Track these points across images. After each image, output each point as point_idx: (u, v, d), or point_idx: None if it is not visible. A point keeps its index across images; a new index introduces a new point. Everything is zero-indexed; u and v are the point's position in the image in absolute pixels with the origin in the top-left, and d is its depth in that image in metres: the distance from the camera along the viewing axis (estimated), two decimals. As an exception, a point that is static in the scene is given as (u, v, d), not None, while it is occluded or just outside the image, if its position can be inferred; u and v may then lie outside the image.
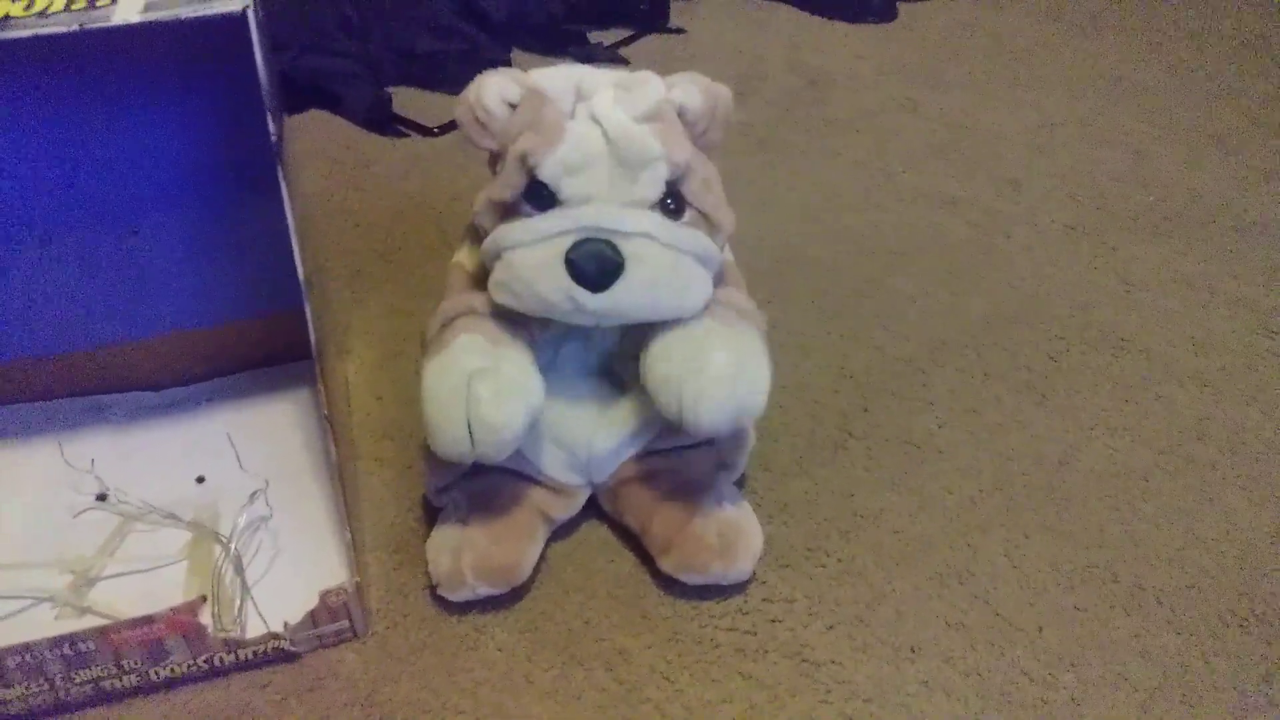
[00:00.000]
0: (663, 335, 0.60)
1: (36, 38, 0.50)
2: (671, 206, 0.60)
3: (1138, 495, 0.73)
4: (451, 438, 0.57)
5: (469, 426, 0.57)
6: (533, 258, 0.58)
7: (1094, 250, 0.99)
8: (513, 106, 0.61)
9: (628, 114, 0.58)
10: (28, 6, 0.52)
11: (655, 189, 0.59)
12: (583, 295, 0.57)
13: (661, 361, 0.59)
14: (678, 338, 0.60)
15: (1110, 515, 0.72)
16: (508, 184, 0.59)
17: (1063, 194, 1.08)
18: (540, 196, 0.59)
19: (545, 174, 0.58)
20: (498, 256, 0.60)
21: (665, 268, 0.58)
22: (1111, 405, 0.81)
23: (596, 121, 0.58)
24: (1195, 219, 1.04)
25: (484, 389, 0.57)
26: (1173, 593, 0.66)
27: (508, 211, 0.60)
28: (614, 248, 0.56)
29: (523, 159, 0.58)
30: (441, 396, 0.58)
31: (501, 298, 0.60)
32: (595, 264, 0.56)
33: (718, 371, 0.57)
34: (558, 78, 0.61)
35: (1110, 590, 0.66)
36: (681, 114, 0.61)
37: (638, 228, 0.57)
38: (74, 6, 0.51)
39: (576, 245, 0.56)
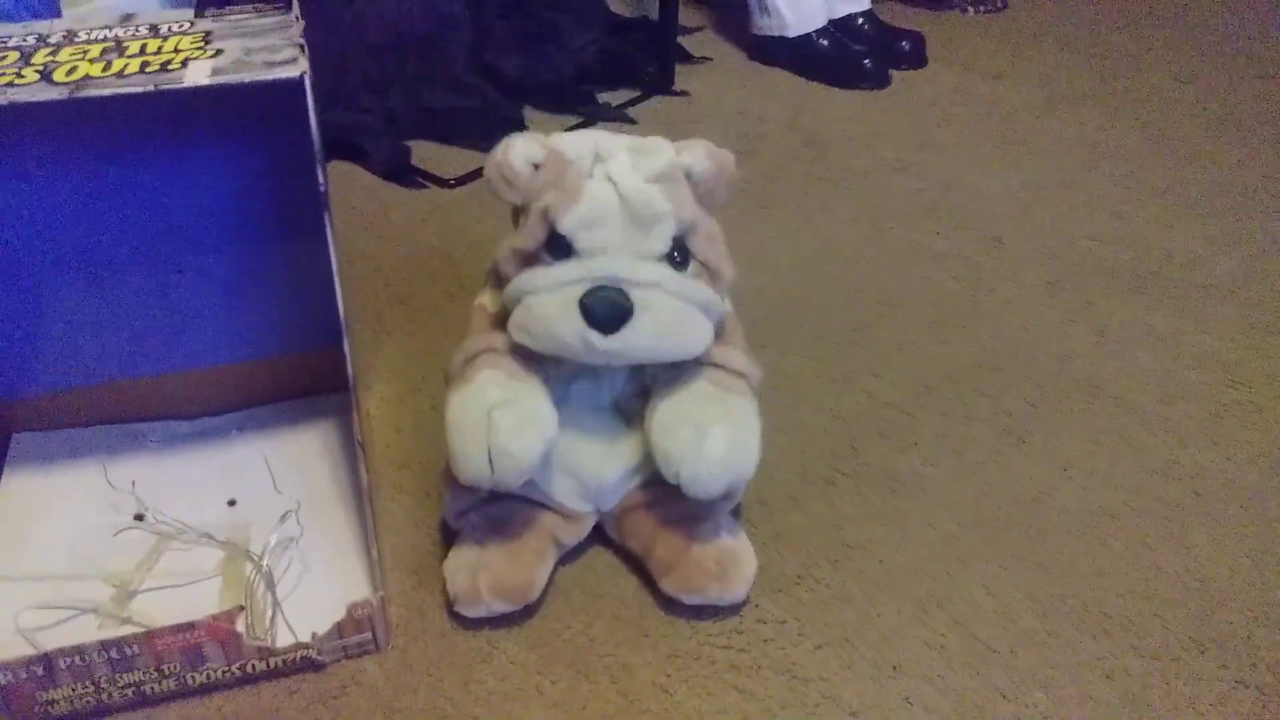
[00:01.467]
0: (666, 403, 0.67)
1: (115, 97, 0.56)
2: (678, 259, 0.66)
3: (1107, 531, 0.78)
4: (473, 465, 0.63)
5: (489, 455, 0.62)
6: (550, 302, 0.63)
7: (1071, 304, 1.05)
8: (536, 166, 0.67)
9: (641, 175, 0.65)
10: (105, 68, 0.58)
11: (663, 243, 0.65)
12: (594, 337, 0.62)
13: (664, 438, 0.66)
14: (679, 414, 0.66)
15: (1081, 549, 0.77)
16: (530, 235, 0.65)
17: (1043, 251, 1.15)
18: (559, 247, 0.65)
19: (564, 227, 0.64)
20: (518, 301, 0.66)
21: (671, 315, 0.64)
22: (1085, 448, 0.86)
23: (612, 181, 0.64)
24: (1168, 277, 1.11)
25: (504, 420, 0.62)
26: (1137, 620, 0.71)
27: (529, 260, 0.66)
28: (625, 295, 0.62)
29: (544, 213, 0.64)
30: (465, 427, 0.63)
31: (520, 338, 0.65)
32: (607, 309, 0.62)
33: (714, 454, 0.64)
34: (578, 141, 0.67)
35: (1079, 617, 0.71)
36: (689, 176, 0.67)
37: (647, 278, 0.63)
38: (148, 69, 0.58)
39: (590, 292, 0.62)
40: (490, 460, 0.62)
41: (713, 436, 0.64)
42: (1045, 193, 1.27)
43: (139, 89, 0.56)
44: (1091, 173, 1.33)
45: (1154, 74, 1.65)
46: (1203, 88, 1.60)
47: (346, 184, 1.21)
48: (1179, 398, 0.93)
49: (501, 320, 0.69)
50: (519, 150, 0.67)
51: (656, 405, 0.67)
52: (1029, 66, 1.67)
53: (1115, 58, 1.72)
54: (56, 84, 0.56)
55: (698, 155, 0.67)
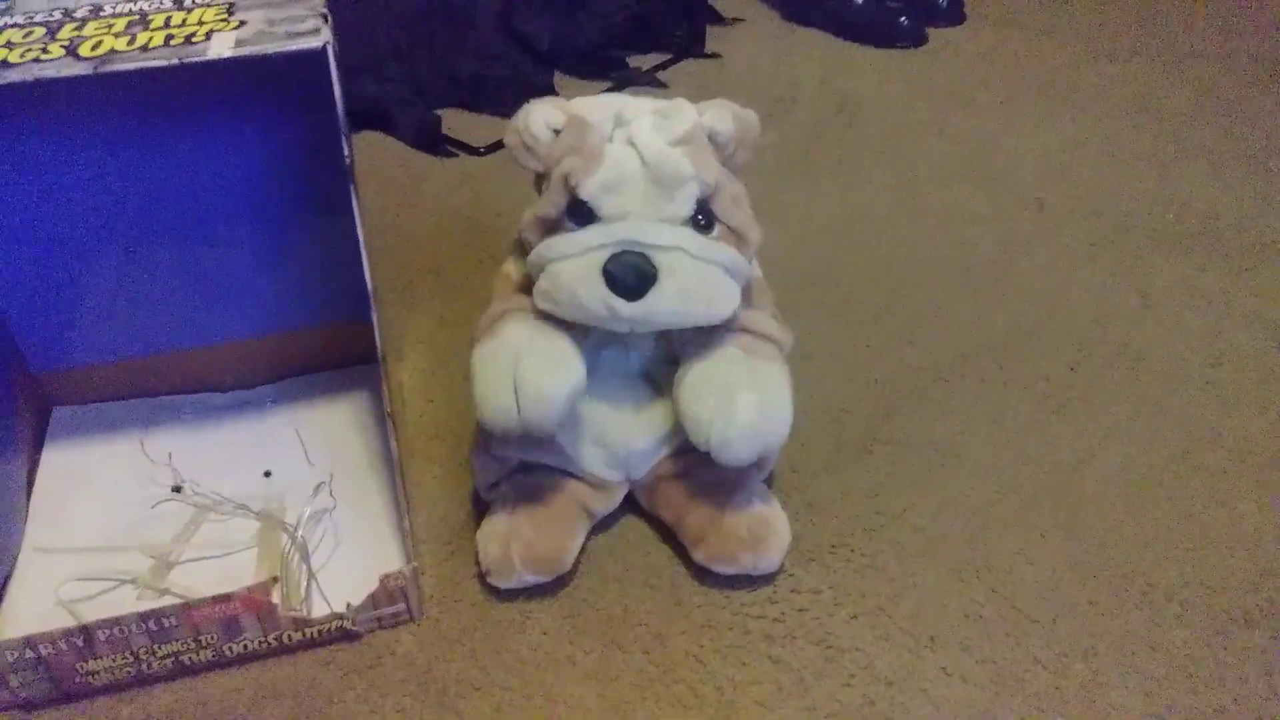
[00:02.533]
0: (695, 369, 0.66)
1: (140, 70, 0.55)
2: (702, 222, 0.64)
3: (1150, 499, 0.77)
4: (499, 408, 0.63)
5: (516, 397, 0.62)
6: (574, 269, 0.63)
7: (1114, 266, 1.03)
8: (556, 132, 0.66)
9: (663, 139, 0.63)
10: (130, 41, 0.58)
11: (687, 206, 0.64)
12: (618, 303, 0.61)
13: (693, 403, 0.65)
14: (708, 379, 0.65)
15: (1123, 517, 0.75)
16: (552, 202, 0.65)
17: (1085, 212, 1.12)
18: (581, 213, 0.64)
19: (586, 193, 0.63)
20: (542, 269, 0.65)
21: (696, 278, 0.63)
22: (1127, 414, 0.84)
23: (634, 145, 0.63)
24: (1214, 236, 1.08)
25: (530, 361, 0.62)
26: (1182, 590, 0.70)
27: (551, 227, 0.65)
28: (648, 260, 0.61)
29: (566, 179, 0.63)
30: (491, 370, 0.63)
31: (545, 305, 0.64)
32: (631, 274, 0.61)
33: (745, 419, 0.63)
34: (598, 106, 0.66)
35: (1122, 587, 0.70)
36: (712, 138, 0.66)
37: (671, 241, 0.62)
38: (173, 42, 0.57)
39: (614, 257, 0.61)
40: (517, 401, 0.62)
41: (742, 402, 0.63)
42: (1087, 152, 1.24)
43: (163, 62, 0.56)
44: (1136, 130, 1.29)
45: (1201, 27, 1.60)
46: (1252, 41, 1.55)
47: (377, 154, 1.20)
48: (1226, 361, 0.90)
49: (526, 289, 0.68)
50: (539, 116, 0.66)
51: (685, 372, 0.67)
52: (1071, 21, 1.63)
53: (1161, 11, 1.67)
54: (82, 59, 0.56)
55: (721, 116, 0.66)
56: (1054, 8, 1.69)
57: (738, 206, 0.66)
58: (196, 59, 0.56)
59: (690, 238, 0.63)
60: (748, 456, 0.64)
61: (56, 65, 0.55)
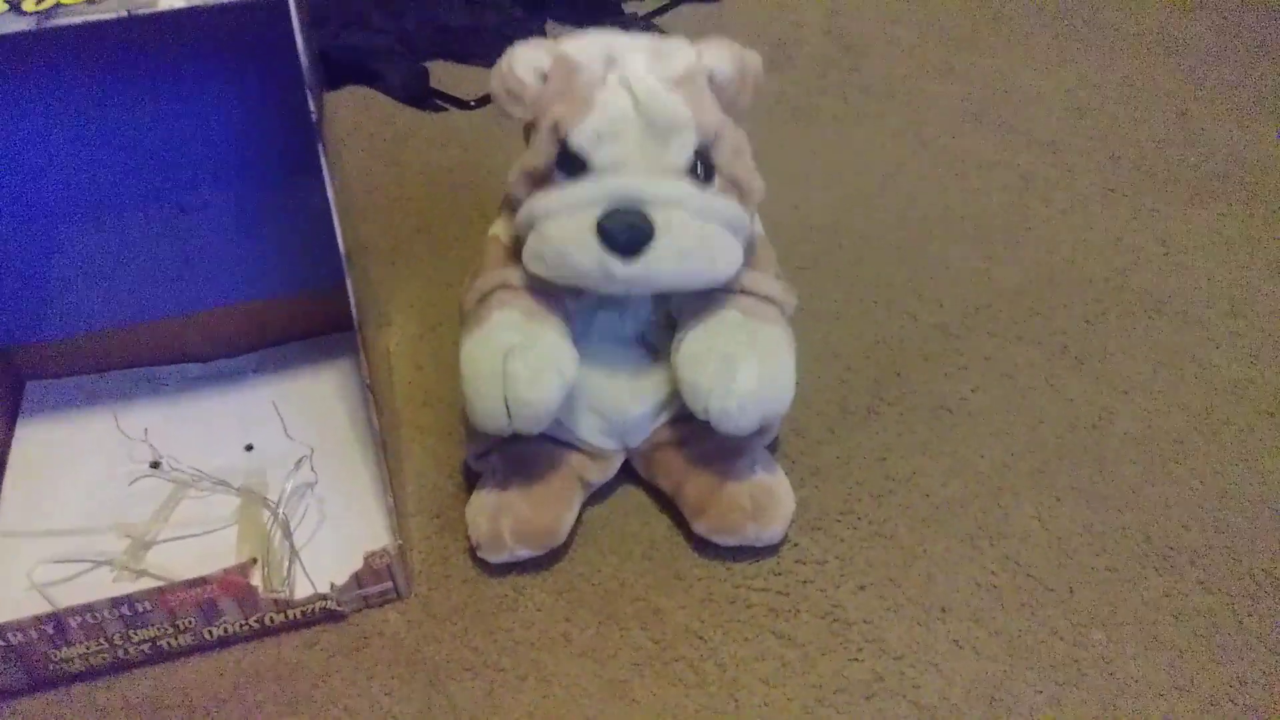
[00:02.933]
0: (693, 333, 0.62)
1: (86, 24, 0.52)
2: (701, 174, 0.60)
3: (1172, 458, 0.73)
4: (490, 413, 0.59)
5: (506, 403, 0.59)
6: (565, 227, 0.59)
7: (1133, 212, 0.98)
8: (544, 76, 0.62)
9: (658, 80, 0.59)
10: (77, -8, 0.54)
11: (685, 155, 0.59)
12: (613, 263, 0.58)
13: (692, 371, 0.61)
14: (707, 345, 0.61)
15: (1143, 478, 0.72)
16: (539, 153, 0.61)
17: (1102, 156, 1.07)
18: (571, 164, 0.60)
19: (576, 142, 0.59)
20: (531, 226, 0.61)
21: (695, 236, 0.59)
22: (1147, 368, 0.81)
23: (627, 88, 0.59)
24: (1238, 180, 1.03)
25: (520, 366, 0.58)
26: (1205, 554, 0.67)
27: (540, 180, 0.61)
28: (644, 216, 0.57)
29: (554, 128, 0.59)
30: (479, 374, 0.60)
31: (535, 268, 0.61)
32: (626, 233, 0.57)
33: (745, 387, 0.60)
34: (588, 46, 0.61)
35: (1142, 551, 0.67)
36: (711, 80, 0.61)
37: (668, 196, 0.58)
38: (121, -8, 0.53)
39: (608, 214, 0.57)
40: (508, 408, 0.59)
41: (743, 369, 0.60)
42: (1103, 92, 1.19)
43: (111, 15, 0.52)
44: (1154, 69, 1.24)
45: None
46: (1276, -29, 1.48)
47: (362, 109, 1.16)
48: (1250, 311, 0.86)
49: (516, 252, 0.64)
50: (524, 59, 0.62)
51: (683, 337, 0.63)
52: (1085, -44, 1.56)
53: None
54: (25, 14, 0.52)
55: (721, 56, 0.61)
56: (1068, -58, 1.62)
57: (739, 157, 0.62)
58: (147, 10, 0.52)
59: (689, 191, 0.59)
60: (749, 425, 0.61)
61: (-3, 21, 0.51)
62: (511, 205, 0.65)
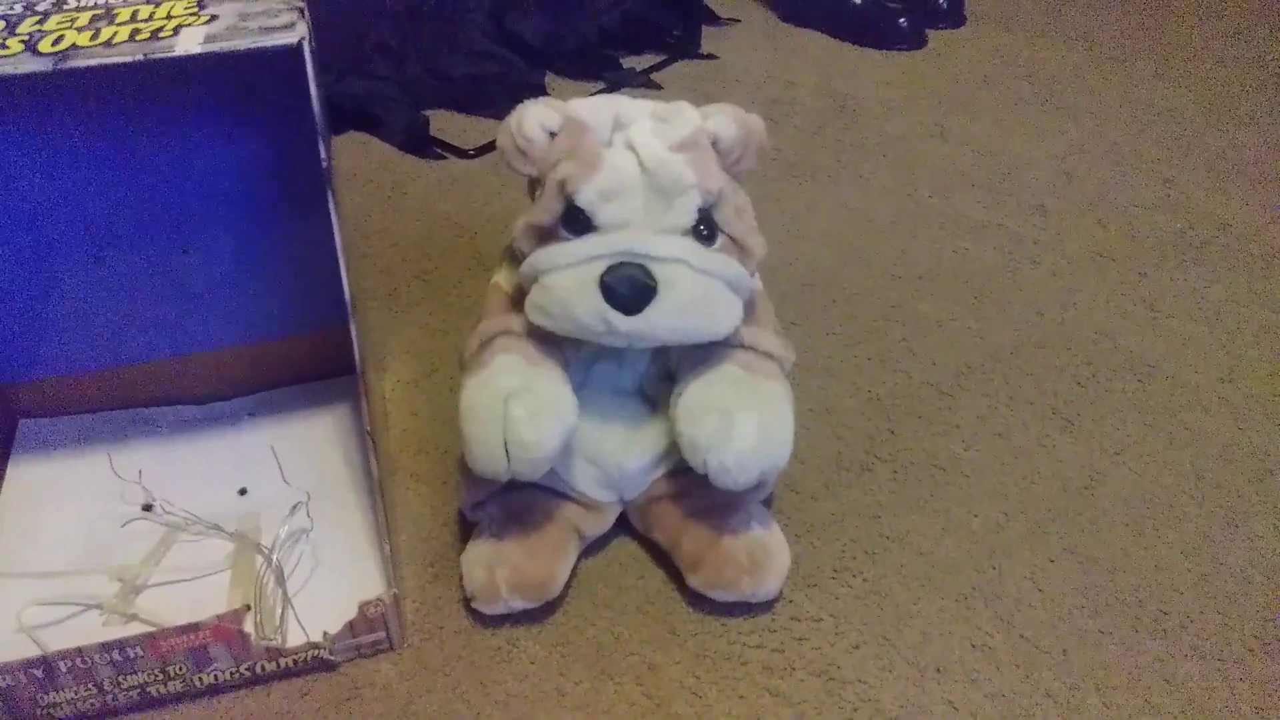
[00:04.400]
0: (692, 388, 0.63)
1: (102, 66, 0.52)
2: (704, 233, 0.61)
3: (1163, 521, 0.74)
4: (489, 456, 0.59)
5: (505, 446, 0.59)
6: (568, 281, 0.59)
7: (1121, 277, 1.00)
8: (552, 135, 0.63)
9: (664, 144, 0.60)
10: (93, 36, 0.55)
11: (688, 216, 0.60)
12: (616, 317, 0.58)
13: (690, 425, 0.61)
14: (706, 400, 0.62)
15: (1135, 540, 0.72)
16: (546, 209, 0.61)
17: (1090, 220, 1.09)
18: (577, 222, 0.61)
19: (583, 200, 0.60)
20: (535, 280, 0.62)
21: (697, 293, 0.60)
22: (1138, 431, 0.82)
23: (633, 150, 0.60)
24: (1224, 246, 1.05)
25: (520, 410, 0.59)
26: (1197, 618, 0.67)
27: (545, 236, 0.62)
28: (647, 272, 0.58)
29: (561, 186, 0.60)
30: (479, 416, 0.60)
31: (537, 319, 0.61)
32: (629, 287, 0.58)
33: (743, 443, 0.60)
34: (597, 108, 0.63)
35: (1135, 615, 0.67)
36: (715, 143, 0.62)
37: (671, 253, 0.59)
38: (139, 37, 0.54)
39: (611, 269, 0.58)
40: (507, 452, 0.59)
41: (742, 424, 0.60)
42: (1091, 158, 1.21)
43: (128, 58, 0.52)
44: (1140, 136, 1.26)
45: (1205, 30, 1.58)
46: (1258, 43, 1.52)
47: (362, 155, 1.17)
48: (1238, 376, 0.87)
49: (518, 301, 0.65)
50: (534, 117, 0.62)
51: (682, 390, 0.63)
52: (1073, 24, 1.60)
53: (1164, 13, 1.65)
54: (41, 55, 0.53)
55: (724, 121, 0.63)
56: (1056, 9, 1.66)
57: (741, 217, 0.63)
58: (163, 55, 0.52)
59: (692, 249, 0.60)
60: (747, 481, 0.61)
61: (14, 61, 0.52)
62: (514, 256, 0.66)
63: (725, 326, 0.62)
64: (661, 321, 0.59)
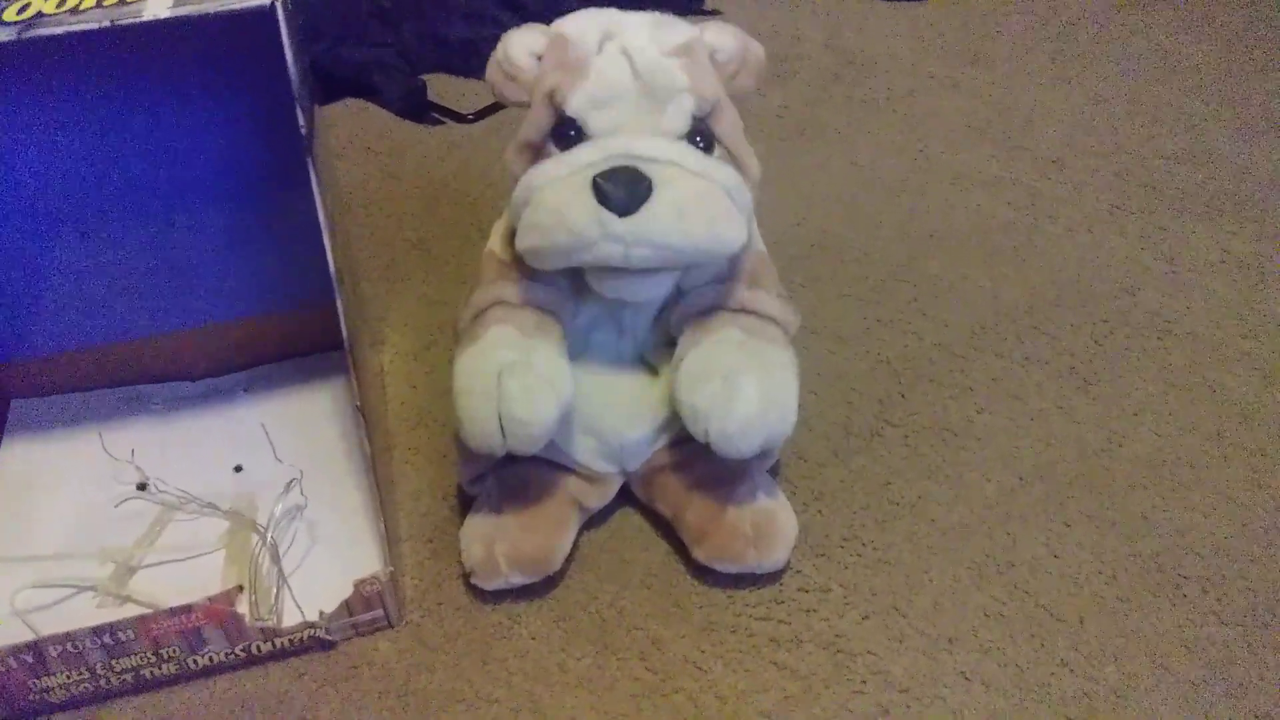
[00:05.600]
0: (693, 354, 0.61)
1: (69, 34, 0.50)
2: (701, 144, 0.59)
3: (1184, 483, 0.71)
4: (484, 433, 0.57)
5: (500, 422, 0.57)
6: (561, 190, 0.56)
7: (1141, 231, 0.97)
8: (540, 58, 0.60)
9: (657, 48, 0.58)
10: (60, 4, 0.52)
11: (682, 121, 0.58)
12: (610, 219, 0.54)
13: (691, 392, 0.59)
14: (707, 366, 0.60)
15: (1155, 504, 0.70)
16: (535, 123, 0.59)
17: (1108, 173, 1.06)
18: (568, 134, 0.58)
19: (573, 109, 0.57)
20: (527, 202, 0.59)
21: (694, 195, 0.56)
22: (1157, 391, 0.79)
23: (625, 55, 0.58)
24: (1247, 198, 1.01)
25: (514, 385, 0.57)
26: (1219, 583, 0.65)
27: (537, 153, 0.60)
28: (641, 173, 0.55)
29: (550, 96, 0.58)
30: (473, 392, 0.58)
31: (530, 239, 0.58)
32: (624, 187, 0.55)
33: (746, 410, 0.58)
34: (582, 19, 0.60)
35: (1154, 580, 0.65)
36: (713, 54, 0.60)
37: (666, 154, 0.56)
38: (105, 3, 0.52)
39: (604, 173, 0.55)
40: (502, 428, 0.57)
41: (744, 390, 0.58)
42: (1109, 109, 1.18)
43: (94, 25, 0.50)
44: (1160, 85, 1.22)
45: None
46: (1282, -13, 1.47)
47: (359, 123, 1.15)
48: (1262, 331, 0.84)
49: (512, 268, 0.63)
50: (519, 42, 0.60)
51: (683, 356, 0.61)
52: (1089, -29, 1.55)
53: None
54: (6, 24, 0.51)
55: (723, 35, 0.61)
56: (1071, -43, 1.61)
57: (737, 133, 0.61)
58: (131, 20, 0.50)
59: (688, 152, 0.57)
60: (749, 450, 0.59)
61: (-24, 31, 0.50)
62: (509, 221, 0.63)
63: (728, 236, 0.58)
64: (658, 223, 0.55)
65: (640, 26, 0.59)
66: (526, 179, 0.59)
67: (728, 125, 0.60)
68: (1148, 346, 0.83)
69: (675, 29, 0.59)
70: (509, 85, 0.61)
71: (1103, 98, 1.20)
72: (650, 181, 0.55)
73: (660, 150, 0.56)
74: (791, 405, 0.60)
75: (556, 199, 0.56)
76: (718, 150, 0.60)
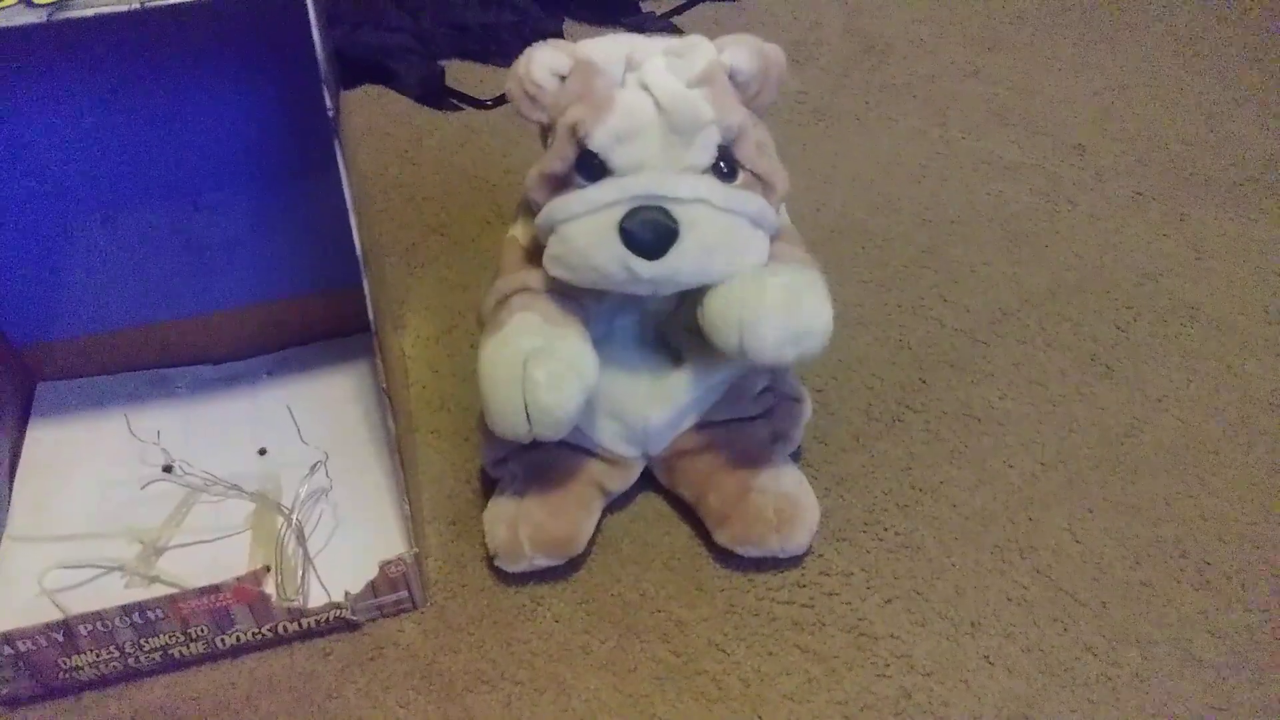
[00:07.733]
0: (720, 287, 0.60)
1: (98, 16, 0.50)
2: (725, 170, 0.59)
3: (1207, 469, 0.71)
4: (510, 420, 0.58)
5: (526, 409, 0.57)
6: (587, 229, 0.57)
7: (1163, 217, 0.96)
8: (562, 78, 0.60)
9: (678, 80, 0.58)
10: (89, -14, 0.53)
11: (708, 154, 0.58)
12: (638, 264, 0.56)
13: (719, 299, 0.58)
14: (734, 286, 0.58)
15: (1178, 489, 0.70)
16: (558, 156, 0.59)
17: (1130, 159, 1.05)
18: (591, 167, 0.58)
19: (596, 144, 0.57)
20: (551, 230, 0.59)
21: (720, 232, 0.57)
22: (1180, 377, 0.79)
23: (647, 89, 0.57)
24: (1269, 185, 1.01)
25: (539, 372, 0.57)
26: (1243, 568, 0.65)
27: (560, 184, 0.60)
28: (668, 214, 0.56)
29: (573, 130, 0.58)
30: (498, 380, 0.58)
31: (557, 271, 0.59)
32: (650, 232, 0.55)
33: (775, 297, 0.57)
34: (607, 47, 0.60)
35: (1177, 565, 0.65)
36: (733, 76, 0.60)
37: (692, 193, 0.56)
38: (134, -15, 0.52)
39: (630, 214, 0.56)
40: (528, 415, 0.57)
41: (774, 282, 0.57)
42: (1131, 94, 1.17)
43: (124, 7, 0.51)
44: (1183, 71, 1.21)
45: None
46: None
47: (378, 108, 1.15)
48: (1286, 318, 0.84)
49: (535, 254, 0.63)
50: (542, 61, 0.60)
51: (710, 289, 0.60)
52: (1110, -44, 1.54)
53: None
54: (36, 5, 0.51)
55: (740, 52, 0.60)
56: (1092, -59, 1.59)
57: (762, 153, 0.60)
58: (159, 2, 0.51)
59: (713, 187, 0.57)
60: (784, 341, 0.57)
61: (7, 14, 0.50)
62: (530, 209, 0.64)
63: (750, 263, 0.59)
64: (685, 264, 0.56)
65: (661, 55, 0.59)
66: (549, 210, 0.59)
67: (751, 148, 0.60)
68: (1170, 332, 0.83)
69: (695, 53, 0.59)
70: (528, 104, 0.61)
71: (1125, 83, 1.19)
72: (677, 227, 0.55)
73: (687, 189, 0.56)
74: (823, 306, 0.59)
75: (583, 240, 0.57)
76: (741, 175, 0.59)
